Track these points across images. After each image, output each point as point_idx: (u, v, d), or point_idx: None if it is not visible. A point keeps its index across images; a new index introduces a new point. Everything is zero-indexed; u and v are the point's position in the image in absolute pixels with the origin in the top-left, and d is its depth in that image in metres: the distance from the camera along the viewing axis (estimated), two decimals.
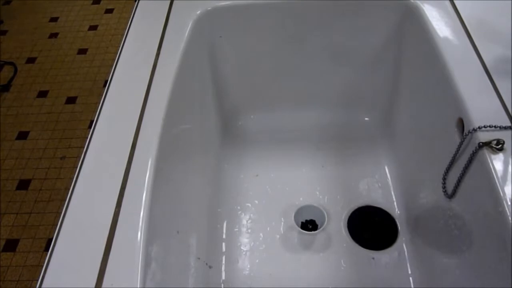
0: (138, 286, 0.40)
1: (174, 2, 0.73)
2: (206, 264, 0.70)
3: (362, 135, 0.93)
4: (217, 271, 0.73)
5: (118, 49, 0.66)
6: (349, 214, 0.80)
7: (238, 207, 0.80)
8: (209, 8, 0.73)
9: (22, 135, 1.50)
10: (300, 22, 0.77)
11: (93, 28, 1.94)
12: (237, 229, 0.78)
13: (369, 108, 0.93)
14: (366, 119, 0.94)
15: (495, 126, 0.50)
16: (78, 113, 1.50)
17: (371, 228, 0.79)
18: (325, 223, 0.74)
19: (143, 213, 0.46)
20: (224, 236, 0.78)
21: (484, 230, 0.50)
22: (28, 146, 1.47)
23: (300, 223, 0.76)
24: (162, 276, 0.47)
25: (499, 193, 0.45)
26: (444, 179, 0.58)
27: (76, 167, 0.53)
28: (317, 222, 0.76)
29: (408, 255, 0.73)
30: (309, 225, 0.76)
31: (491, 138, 0.49)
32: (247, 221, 0.79)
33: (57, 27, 1.95)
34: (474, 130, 0.50)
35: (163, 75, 0.61)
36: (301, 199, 0.81)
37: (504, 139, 0.48)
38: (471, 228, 0.53)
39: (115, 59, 0.65)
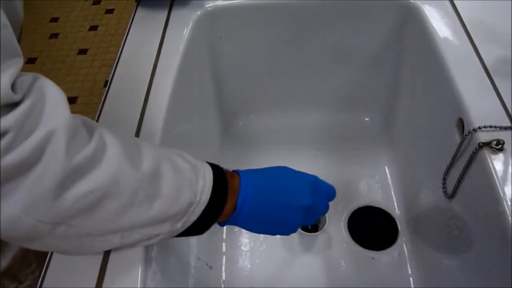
0: (139, 286, 0.41)
1: (175, 2, 0.74)
2: (207, 264, 0.70)
3: (362, 136, 0.93)
4: (218, 271, 0.73)
5: (119, 49, 0.66)
6: (349, 215, 0.80)
7: None
8: (209, 9, 0.73)
9: None
10: (300, 22, 0.77)
11: (93, 28, 1.94)
12: (237, 230, 0.78)
13: (369, 109, 0.93)
14: (366, 119, 0.95)
15: (495, 126, 0.50)
16: (78, 113, 1.49)
17: (371, 228, 0.79)
18: (326, 224, 0.74)
19: None
20: (224, 237, 0.78)
21: (484, 230, 0.50)
22: None
23: None
24: (162, 276, 0.47)
25: (499, 193, 0.45)
26: (444, 179, 0.58)
27: None
28: (318, 223, 0.76)
29: (408, 255, 0.73)
30: (310, 226, 0.76)
31: (491, 138, 0.49)
32: None
33: (57, 27, 1.95)
34: (474, 130, 0.50)
35: (164, 76, 0.61)
36: None
37: (504, 140, 0.48)
38: (471, 228, 0.53)
39: (115, 59, 0.65)
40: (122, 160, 0.33)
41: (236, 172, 0.44)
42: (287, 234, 0.47)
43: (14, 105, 0.28)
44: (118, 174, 0.33)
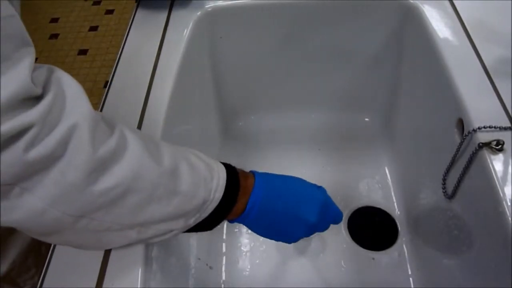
0: (139, 287, 0.41)
1: (175, 2, 0.74)
2: (207, 264, 0.70)
3: (362, 136, 0.93)
4: (218, 272, 0.73)
5: (119, 50, 0.67)
6: (349, 215, 0.80)
7: None
8: (209, 9, 0.73)
9: None
10: (300, 22, 0.77)
11: (93, 29, 1.94)
12: (237, 230, 0.78)
13: (369, 109, 0.93)
14: (366, 119, 0.95)
15: (495, 127, 0.50)
16: None
17: (371, 228, 0.79)
18: None
19: None
20: (224, 237, 0.78)
21: (484, 231, 0.50)
22: None
23: None
24: (162, 276, 0.47)
25: (499, 194, 0.45)
26: (444, 179, 0.58)
27: None
28: None
29: (408, 256, 0.73)
30: None
31: (491, 138, 0.49)
32: None
33: (57, 27, 1.95)
34: (474, 130, 0.50)
35: (164, 76, 0.61)
36: None
37: (504, 140, 0.48)
38: (471, 229, 0.53)
39: (115, 60, 0.65)
40: (144, 155, 0.34)
41: (251, 172, 0.45)
42: (288, 242, 0.48)
43: (35, 99, 0.28)
44: (140, 168, 0.33)
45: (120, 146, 0.32)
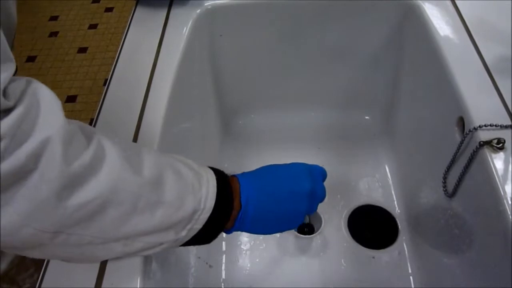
0: (138, 286, 0.40)
1: (174, 1, 0.73)
2: (206, 263, 0.70)
3: (363, 134, 0.93)
4: (217, 271, 0.73)
5: (118, 48, 0.66)
6: (349, 213, 0.80)
7: None
8: (209, 7, 0.73)
9: None
10: (301, 21, 0.77)
11: (93, 26, 1.94)
12: None
13: (369, 107, 0.93)
14: (367, 118, 0.94)
15: (495, 125, 0.50)
16: (78, 112, 1.50)
17: (371, 227, 0.79)
18: (322, 226, 0.73)
19: None
20: (224, 235, 0.78)
21: (484, 229, 0.50)
22: None
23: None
24: (162, 275, 0.47)
25: (500, 192, 0.45)
26: (445, 178, 0.58)
27: None
28: (314, 226, 0.76)
29: (409, 254, 0.73)
30: (306, 229, 0.76)
31: (491, 137, 0.49)
32: None
33: (57, 26, 1.95)
34: (475, 129, 0.50)
35: (163, 74, 0.61)
36: None
37: (505, 138, 0.48)
38: (471, 227, 0.53)
39: (115, 58, 0.65)
40: (122, 167, 0.33)
41: (233, 175, 0.44)
42: (296, 225, 0.46)
43: (6, 111, 0.27)
44: (118, 181, 0.32)
45: (96, 158, 0.31)
